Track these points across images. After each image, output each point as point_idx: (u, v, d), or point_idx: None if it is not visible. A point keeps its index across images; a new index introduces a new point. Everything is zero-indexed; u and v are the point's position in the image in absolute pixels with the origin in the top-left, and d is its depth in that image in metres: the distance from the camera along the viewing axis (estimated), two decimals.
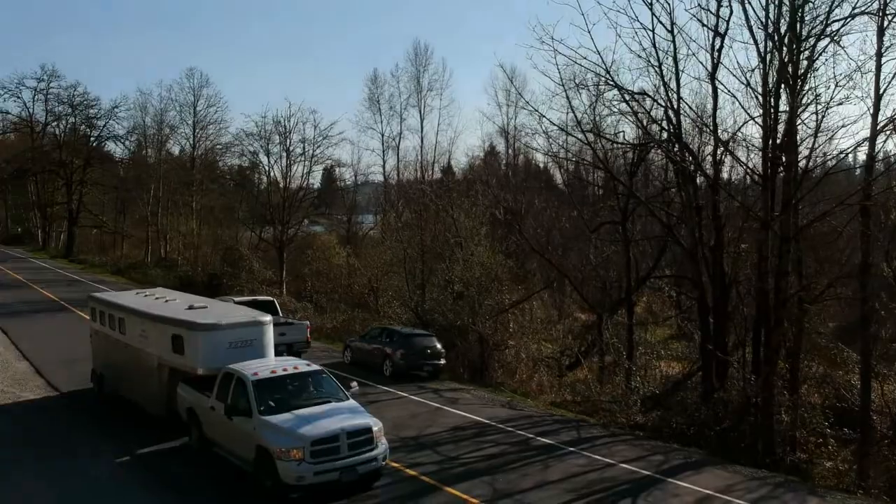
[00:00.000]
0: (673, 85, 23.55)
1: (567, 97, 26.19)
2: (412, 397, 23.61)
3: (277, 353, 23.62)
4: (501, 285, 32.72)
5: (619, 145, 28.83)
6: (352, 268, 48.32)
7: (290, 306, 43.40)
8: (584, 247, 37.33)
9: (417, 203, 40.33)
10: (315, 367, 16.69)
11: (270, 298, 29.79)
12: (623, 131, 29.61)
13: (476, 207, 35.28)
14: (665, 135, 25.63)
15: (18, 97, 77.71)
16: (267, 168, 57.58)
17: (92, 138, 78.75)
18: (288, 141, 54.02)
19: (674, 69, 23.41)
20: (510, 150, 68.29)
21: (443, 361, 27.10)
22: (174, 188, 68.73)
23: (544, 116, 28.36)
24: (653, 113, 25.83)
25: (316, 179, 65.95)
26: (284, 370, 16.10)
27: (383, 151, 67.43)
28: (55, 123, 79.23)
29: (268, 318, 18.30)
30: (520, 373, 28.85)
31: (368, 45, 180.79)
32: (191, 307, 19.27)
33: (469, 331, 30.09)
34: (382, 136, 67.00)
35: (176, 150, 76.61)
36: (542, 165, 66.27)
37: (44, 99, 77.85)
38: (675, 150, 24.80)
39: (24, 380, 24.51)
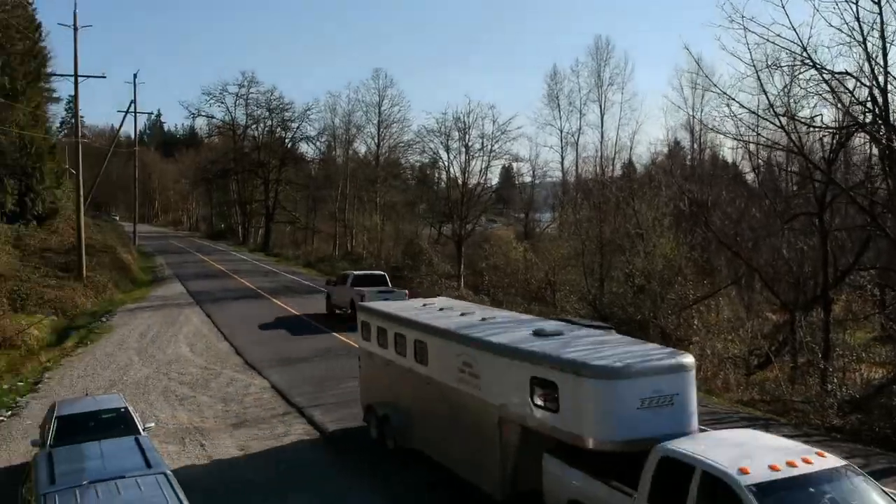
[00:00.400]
0: (880, 61, 21.64)
1: (758, 79, 24.61)
2: None
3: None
4: (685, 279, 31.51)
5: (817, 129, 26.83)
6: (529, 262, 48.29)
7: (468, 299, 44.35)
8: (776, 241, 35.08)
9: (597, 195, 39.67)
10: (835, 459, 9.59)
11: (382, 273, 36.05)
12: (820, 114, 27.52)
13: (659, 198, 34.19)
14: (869, 117, 23.56)
15: (222, 102, 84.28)
16: (446, 164, 58.75)
17: (286, 140, 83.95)
18: (467, 137, 54.89)
19: (880, 44, 21.47)
20: (695, 145, 65.76)
21: None
22: (360, 185, 71.83)
23: (733, 99, 26.71)
24: (855, 93, 23.81)
25: (494, 175, 66.50)
26: (791, 465, 9.05)
27: (562, 148, 67.13)
28: (254, 126, 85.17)
29: (690, 359, 11.81)
30: (704, 370, 27.57)
31: (547, 42, 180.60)
32: (538, 333, 12.87)
33: (650, 325, 29.20)
34: (561, 132, 66.70)
35: (362, 149, 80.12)
36: (729, 160, 63.18)
37: (244, 104, 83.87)
38: (882, 133, 22.75)
39: (225, 358, 26.48)
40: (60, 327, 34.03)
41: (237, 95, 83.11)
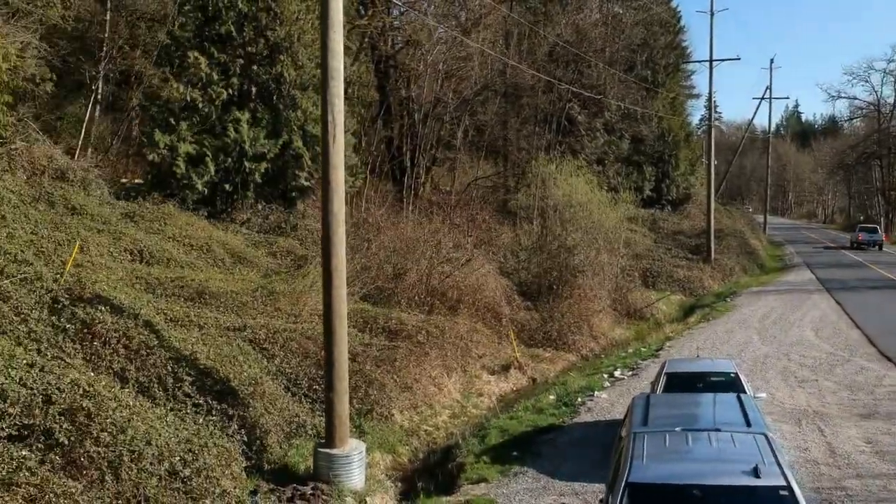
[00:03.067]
0: None
1: None
2: None
3: (863, 248, 53.84)
4: None
5: None
6: None
7: None
8: None
9: None
10: None
11: (875, 226, 56.12)
12: None
13: None
14: None
15: (867, 81, 77.49)
16: None
17: None
18: None
19: None
20: None
21: None
22: None
23: None
24: None
25: None
26: None
27: None
28: None
29: None
30: None
31: None
32: None
33: None
34: None
35: None
36: None
37: (893, 80, 75.34)
38: None
39: (854, 346, 23.67)
40: (686, 305, 35.12)
41: (885, 72, 75.04)
